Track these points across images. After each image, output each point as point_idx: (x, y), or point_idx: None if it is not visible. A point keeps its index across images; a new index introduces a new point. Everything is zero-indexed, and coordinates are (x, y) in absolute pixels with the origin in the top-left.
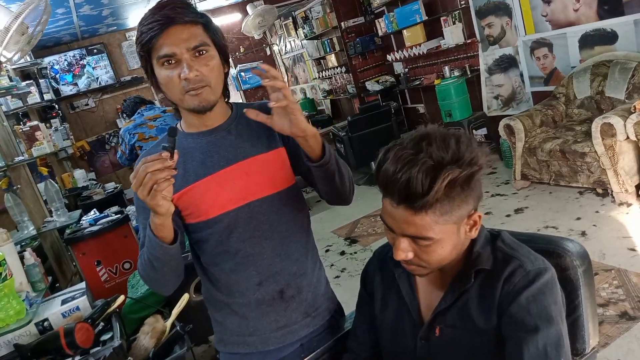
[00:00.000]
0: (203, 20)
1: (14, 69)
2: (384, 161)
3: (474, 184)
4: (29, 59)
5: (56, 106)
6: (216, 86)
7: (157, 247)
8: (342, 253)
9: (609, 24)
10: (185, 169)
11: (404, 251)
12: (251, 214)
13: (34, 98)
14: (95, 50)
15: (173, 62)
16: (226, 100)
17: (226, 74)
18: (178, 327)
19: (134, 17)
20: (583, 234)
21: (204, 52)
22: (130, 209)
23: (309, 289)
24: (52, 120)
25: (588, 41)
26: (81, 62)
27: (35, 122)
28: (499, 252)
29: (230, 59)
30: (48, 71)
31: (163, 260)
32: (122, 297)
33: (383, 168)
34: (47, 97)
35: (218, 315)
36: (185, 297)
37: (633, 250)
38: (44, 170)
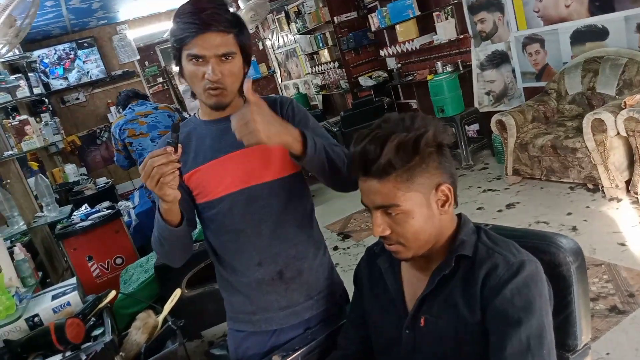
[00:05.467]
0: (235, 31)
1: (2, 62)
2: (351, 146)
3: (433, 153)
4: (17, 52)
5: (46, 100)
6: (233, 89)
7: (164, 229)
8: (335, 248)
9: (599, 20)
10: (196, 152)
11: (379, 225)
12: (251, 196)
13: (23, 92)
14: (85, 44)
15: (201, 60)
16: (240, 94)
17: (245, 73)
18: (170, 322)
19: (124, 10)
20: (574, 229)
21: (230, 58)
22: (122, 204)
23: (310, 272)
24: (42, 115)
25: (579, 37)
26: (71, 56)
27: (25, 117)
28: (482, 245)
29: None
30: (37, 65)
31: (170, 240)
32: (113, 293)
33: (349, 151)
34: (36, 91)
35: (226, 293)
36: (177, 292)
37: (623, 245)
38: (34, 165)
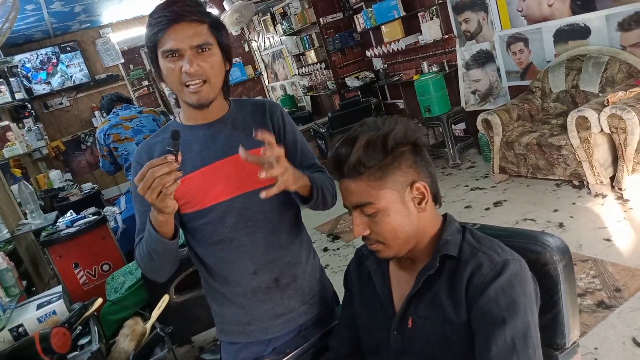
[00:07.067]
0: (209, 20)
1: None
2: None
3: (406, 152)
4: None
5: (29, 105)
6: (215, 83)
7: (158, 242)
8: (325, 249)
9: (581, 19)
10: (182, 160)
11: (358, 225)
12: (244, 204)
13: (4, 97)
14: (68, 48)
15: (176, 55)
16: (225, 95)
17: (227, 72)
18: (158, 329)
19: (107, 13)
20: (560, 225)
21: (207, 49)
22: (108, 210)
23: (303, 277)
24: (24, 120)
25: (562, 36)
26: (54, 60)
27: (7, 122)
28: (467, 245)
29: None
30: (19, 70)
31: (162, 254)
32: (100, 300)
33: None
34: (18, 96)
35: (216, 305)
36: (165, 299)
37: (608, 240)
38: (17, 172)
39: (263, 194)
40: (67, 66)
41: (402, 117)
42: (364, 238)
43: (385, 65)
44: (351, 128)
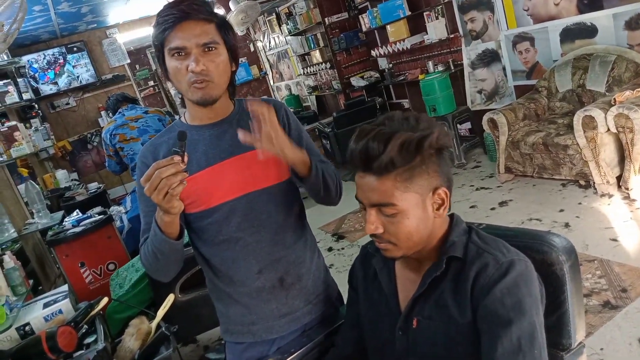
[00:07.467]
0: (216, 20)
1: None
2: (351, 141)
3: (434, 156)
4: (5, 58)
5: (36, 106)
6: (220, 82)
7: (164, 242)
8: (330, 249)
9: (588, 17)
10: (188, 160)
11: (372, 223)
12: (249, 204)
13: (12, 97)
14: (75, 49)
15: (183, 54)
16: (231, 96)
17: (233, 72)
18: (163, 328)
19: (114, 14)
20: (566, 225)
21: (213, 48)
22: (114, 209)
23: (308, 276)
24: (32, 120)
25: (569, 35)
26: (60, 61)
27: (14, 123)
28: (472, 245)
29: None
30: (27, 70)
31: (168, 254)
32: (105, 299)
33: (349, 146)
34: (26, 96)
35: (221, 305)
36: (170, 298)
37: (615, 240)
38: (24, 172)
39: (260, 154)
40: (73, 66)
41: (431, 118)
42: (373, 235)
43: (391, 65)
44: (371, 122)
